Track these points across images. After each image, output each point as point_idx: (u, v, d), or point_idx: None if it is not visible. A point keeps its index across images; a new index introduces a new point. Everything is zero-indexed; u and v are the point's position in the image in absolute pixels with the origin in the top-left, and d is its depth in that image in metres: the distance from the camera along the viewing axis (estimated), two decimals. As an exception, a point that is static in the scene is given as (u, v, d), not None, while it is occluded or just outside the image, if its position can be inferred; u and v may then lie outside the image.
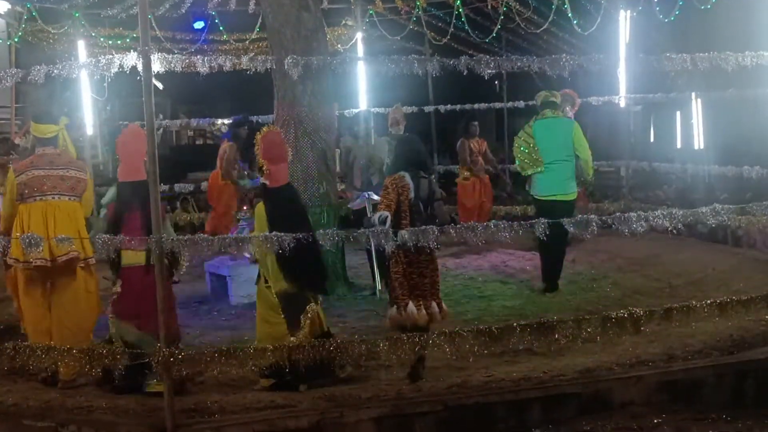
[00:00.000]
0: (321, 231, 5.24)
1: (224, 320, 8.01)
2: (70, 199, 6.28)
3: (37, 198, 6.17)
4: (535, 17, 12.67)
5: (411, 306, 5.95)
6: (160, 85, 14.19)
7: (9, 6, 12.16)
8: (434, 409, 5.30)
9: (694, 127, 12.51)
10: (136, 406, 5.43)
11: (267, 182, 5.98)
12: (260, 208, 6.02)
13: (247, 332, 6.93)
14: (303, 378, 5.71)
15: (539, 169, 8.65)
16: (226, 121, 14.37)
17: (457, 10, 12.86)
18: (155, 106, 5.01)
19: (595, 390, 5.58)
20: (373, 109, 11.13)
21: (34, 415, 5.34)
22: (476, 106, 13.90)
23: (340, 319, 7.71)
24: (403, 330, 5.84)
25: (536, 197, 8.84)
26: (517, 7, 12.43)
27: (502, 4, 12.51)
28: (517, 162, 9.13)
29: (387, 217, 5.76)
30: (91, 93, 12.29)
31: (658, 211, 5.67)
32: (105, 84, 12.82)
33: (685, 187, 13.38)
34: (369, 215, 7.75)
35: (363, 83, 12.51)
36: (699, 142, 12.43)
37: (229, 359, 5.10)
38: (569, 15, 11.91)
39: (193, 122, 16.06)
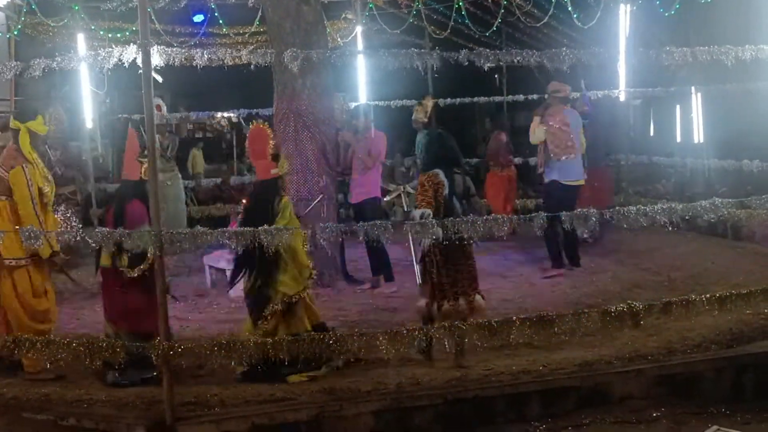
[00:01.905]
0: (321, 225, 5.26)
1: (224, 313, 8.01)
2: None
3: None
4: (535, 11, 12.64)
5: (421, 302, 6.23)
6: (159, 79, 14.14)
7: (8, -1, 12.10)
8: (434, 402, 5.32)
9: (693, 121, 12.45)
10: (135, 399, 5.44)
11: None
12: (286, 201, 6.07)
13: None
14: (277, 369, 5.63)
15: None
16: (226, 115, 14.34)
17: (457, 4, 12.81)
18: (155, 99, 5.02)
19: (595, 383, 5.61)
20: (372, 103, 11.11)
21: (34, 408, 5.35)
22: (476, 99, 13.88)
23: (340, 312, 7.73)
24: (426, 321, 6.11)
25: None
26: (517, 0, 12.39)
27: (502, -2, 12.47)
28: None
29: (429, 214, 5.82)
30: (91, 86, 12.26)
31: (658, 206, 5.68)
32: (105, 77, 12.76)
33: (684, 181, 13.36)
34: (405, 209, 7.77)
35: (363, 77, 12.48)
36: (699, 135, 12.38)
37: (229, 352, 5.12)
38: (569, 9, 11.89)
39: (193, 115, 15.98)
